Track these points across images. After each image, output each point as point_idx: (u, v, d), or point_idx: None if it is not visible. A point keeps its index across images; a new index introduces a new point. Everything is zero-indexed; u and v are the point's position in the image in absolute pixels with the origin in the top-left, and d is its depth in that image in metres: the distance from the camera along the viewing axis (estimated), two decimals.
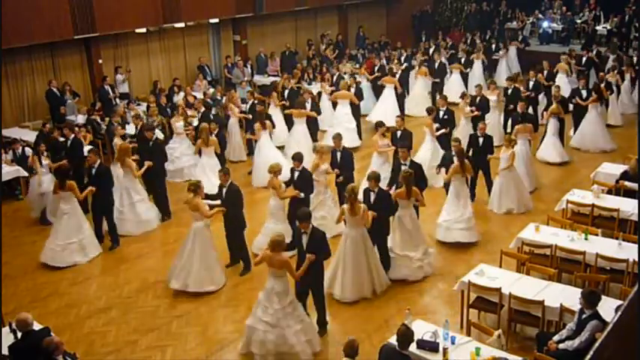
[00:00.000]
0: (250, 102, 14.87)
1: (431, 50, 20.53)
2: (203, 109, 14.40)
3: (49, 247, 10.08)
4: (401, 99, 16.68)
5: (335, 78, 17.25)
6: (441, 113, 13.14)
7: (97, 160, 10.33)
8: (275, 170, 9.75)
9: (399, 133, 11.97)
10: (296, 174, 9.96)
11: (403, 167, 9.67)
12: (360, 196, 8.89)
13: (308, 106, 14.20)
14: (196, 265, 9.07)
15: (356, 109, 15.26)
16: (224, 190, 9.41)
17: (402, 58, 19.59)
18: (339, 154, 10.82)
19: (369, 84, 17.77)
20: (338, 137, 10.98)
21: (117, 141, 12.21)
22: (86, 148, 13.43)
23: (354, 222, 8.61)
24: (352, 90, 15.54)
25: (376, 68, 18.53)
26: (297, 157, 10.06)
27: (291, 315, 7.46)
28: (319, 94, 16.42)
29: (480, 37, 21.87)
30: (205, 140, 12.18)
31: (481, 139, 11.60)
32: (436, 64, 18.57)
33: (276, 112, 14.72)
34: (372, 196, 8.93)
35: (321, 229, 7.97)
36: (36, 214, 11.84)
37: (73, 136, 12.21)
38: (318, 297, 8.01)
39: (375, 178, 8.93)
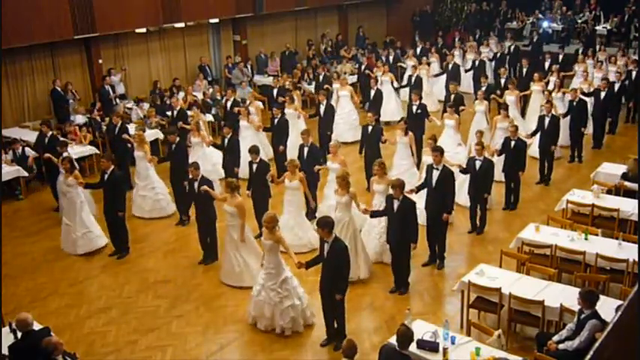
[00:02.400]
0: (232, 99, 14.89)
1: (418, 50, 20.64)
2: (179, 107, 14.24)
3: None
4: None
5: (321, 78, 17.23)
6: (414, 108, 13.40)
7: (110, 166, 10.16)
8: (296, 165, 10.06)
9: (369, 128, 12.07)
10: (254, 166, 10.28)
11: (435, 172, 9.51)
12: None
13: (322, 107, 14.05)
14: (251, 261, 9.21)
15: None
16: (195, 183, 9.72)
17: (391, 58, 19.71)
18: (306, 149, 11.11)
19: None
20: (306, 133, 11.37)
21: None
22: (86, 148, 13.57)
23: (341, 206, 9.03)
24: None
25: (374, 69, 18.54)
26: (254, 150, 10.38)
27: (282, 293, 7.98)
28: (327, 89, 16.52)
29: (474, 37, 21.94)
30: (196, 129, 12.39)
31: (513, 143, 11.42)
32: (450, 65, 18.33)
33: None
34: (396, 204, 8.73)
35: (343, 241, 7.83)
36: None
37: (50, 133, 12.46)
38: (339, 308, 7.80)
39: (399, 186, 8.66)
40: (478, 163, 10.47)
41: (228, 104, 14.90)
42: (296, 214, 10.17)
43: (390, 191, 8.91)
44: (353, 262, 9.08)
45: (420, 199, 9.69)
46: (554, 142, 12.66)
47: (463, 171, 10.77)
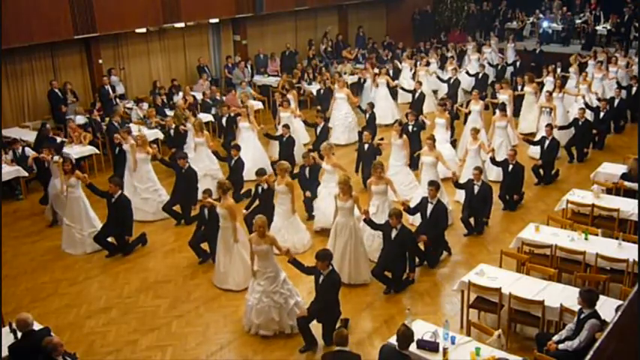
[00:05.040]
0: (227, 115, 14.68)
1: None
2: (174, 125, 14.07)
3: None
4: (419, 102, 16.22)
5: (322, 91, 17.07)
6: (410, 127, 13.13)
7: (117, 191, 10.15)
8: (284, 169, 10.08)
9: (366, 146, 12.12)
10: (259, 189, 10.35)
11: (429, 205, 9.53)
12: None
13: (319, 128, 13.94)
14: (238, 265, 9.17)
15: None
16: (206, 210, 9.82)
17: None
18: (307, 170, 11.11)
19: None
20: (306, 155, 11.35)
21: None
22: (86, 148, 13.55)
23: (344, 211, 8.97)
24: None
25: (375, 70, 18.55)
26: (261, 173, 10.40)
27: (286, 292, 8.00)
28: (328, 89, 16.46)
29: (473, 38, 22.01)
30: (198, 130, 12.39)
31: (510, 166, 11.40)
32: (452, 80, 17.61)
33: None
34: (394, 233, 8.72)
35: (338, 274, 7.81)
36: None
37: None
38: (328, 330, 7.79)
39: (396, 215, 8.68)
40: (476, 188, 10.51)
41: (223, 120, 14.80)
42: (285, 216, 10.13)
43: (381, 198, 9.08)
44: (361, 267, 9.13)
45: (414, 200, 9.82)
46: (553, 160, 12.81)
47: (457, 185, 10.85)
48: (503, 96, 14.93)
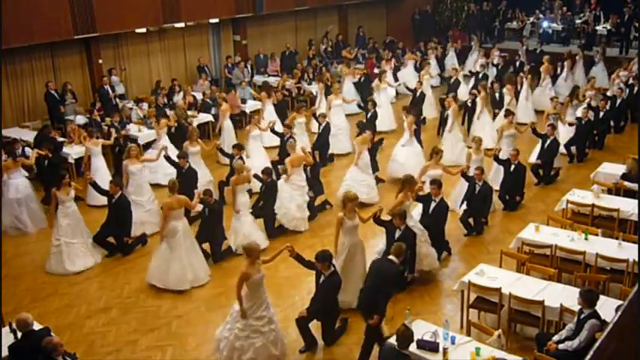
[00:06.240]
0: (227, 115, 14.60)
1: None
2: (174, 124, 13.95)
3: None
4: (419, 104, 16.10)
5: (324, 91, 16.78)
6: None
7: (118, 191, 10.12)
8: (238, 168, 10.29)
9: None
10: (262, 187, 10.66)
11: (432, 203, 9.54)
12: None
13: (321, 127, 13.84)
14: (196, 261, 9.35)
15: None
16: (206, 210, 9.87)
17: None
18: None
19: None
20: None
21: (89, 145, 12.26)
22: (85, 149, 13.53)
23: (354, 230, 8.56)
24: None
25: (376, 70, 18.57)
26: (266, 172, 10.60)
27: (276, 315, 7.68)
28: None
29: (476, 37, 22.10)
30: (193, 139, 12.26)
31: (512, 166, 11.40)
32: (452, 80, 17.52)
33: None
34: (397, 233, 8.58)
35: (339, 276, 7.69)
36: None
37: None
38: (328, 329, 7.82)
39: (399, 215, 8.55)
40: (477, 187, 10.56)
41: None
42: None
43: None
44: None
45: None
46: (552, 160, 12.74)
47: (465, 176, 10.86)
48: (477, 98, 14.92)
